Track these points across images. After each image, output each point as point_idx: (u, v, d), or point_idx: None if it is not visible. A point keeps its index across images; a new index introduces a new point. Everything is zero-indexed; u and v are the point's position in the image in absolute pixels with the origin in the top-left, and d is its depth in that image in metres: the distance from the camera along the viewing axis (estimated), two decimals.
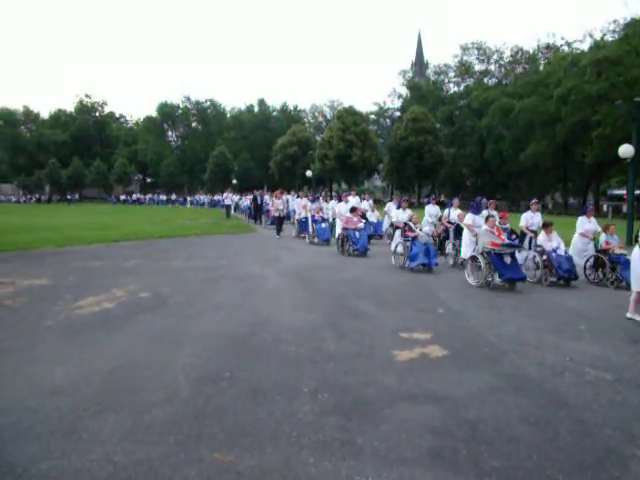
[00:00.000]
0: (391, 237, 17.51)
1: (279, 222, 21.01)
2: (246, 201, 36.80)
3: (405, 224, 12.99)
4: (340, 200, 18.83)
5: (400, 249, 12.66)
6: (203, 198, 66.80)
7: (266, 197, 30.42)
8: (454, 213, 14.33)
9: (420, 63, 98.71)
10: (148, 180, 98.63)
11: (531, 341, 6.24)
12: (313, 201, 20.83)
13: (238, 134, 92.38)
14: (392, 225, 17.70)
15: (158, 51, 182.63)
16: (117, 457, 3.33)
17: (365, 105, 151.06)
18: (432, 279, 11.05)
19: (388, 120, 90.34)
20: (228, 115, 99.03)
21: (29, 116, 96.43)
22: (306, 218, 19.77)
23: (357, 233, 14.90)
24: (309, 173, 55.06)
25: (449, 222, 14.31)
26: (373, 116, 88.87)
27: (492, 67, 76.32)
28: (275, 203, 21.49)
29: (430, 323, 7.06)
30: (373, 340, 6.15)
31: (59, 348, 5.65)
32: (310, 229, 18.62)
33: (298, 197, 24.84)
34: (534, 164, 55.53)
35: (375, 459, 3.36)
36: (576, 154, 52.04)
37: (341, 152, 65.98)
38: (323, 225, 18.29)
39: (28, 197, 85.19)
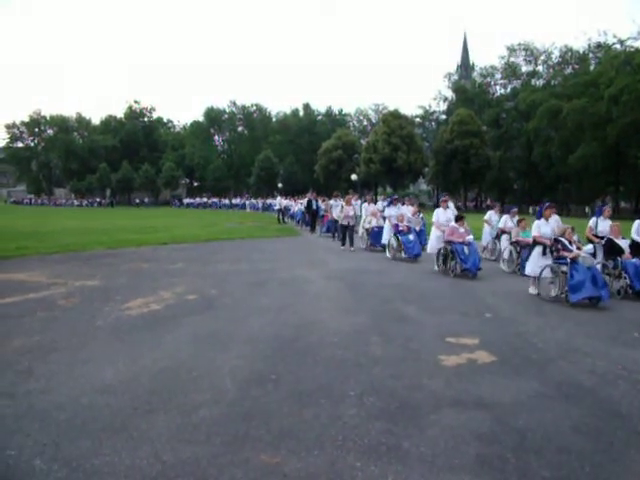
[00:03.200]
0: (493, 252, 15.19)
1: (349, 233, 17.60)
2: (297, 205, 32.86)
3: (556, 240, 9.55)
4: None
5: (548, 274, 9.47)
6: (259, 202, 66.03)
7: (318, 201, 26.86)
8: (603, 224, 11.11)
9: (466, 65, 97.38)
10: (195, 184, 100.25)
11: (581, 348, 6.07)
12: (389, 205, 17.15)
13: (283, 138, 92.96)
14: (497, 237, 14.97)
15: (205, 57, 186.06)
16: (166, 456, 3.39)
17: (410, 108, 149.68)
18: (478, 284, 10.87)
19: (433, 123, 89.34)
20: (274, 119, 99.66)
21: (81, 123, 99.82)
22: (379, 227, 17.13)
23: (466, 248, 11.78)
24: (354, 177, 54.94)
25: (596, 236, 11.04)
26: (418, 119, 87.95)
27: (540, 68, 74.51)
28: (345, 209, 17.92)
29: (477, 328, 6.95)
30: (419, 344, 6.09)
31: (109, 348, 5.80)
32: (393, 241, 15.18)
33: (365, 202, 20.83)
34: (584, 167, 53.95)
35: (422, 465, 3.33)
36: (629, 156, 50.56)
37: (386, 156, 65.68)
38: (411, 237, 14.96)
39: (90, 201, 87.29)
